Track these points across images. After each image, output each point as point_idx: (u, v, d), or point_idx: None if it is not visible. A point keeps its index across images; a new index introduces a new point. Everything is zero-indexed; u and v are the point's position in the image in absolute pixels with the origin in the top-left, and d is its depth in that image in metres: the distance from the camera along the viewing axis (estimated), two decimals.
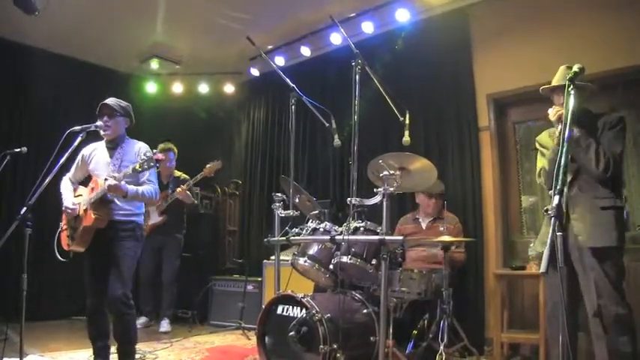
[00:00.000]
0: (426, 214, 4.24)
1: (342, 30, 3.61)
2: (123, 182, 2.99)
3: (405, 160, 2.95)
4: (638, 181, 3.86)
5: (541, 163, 2.80)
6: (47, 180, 2.80)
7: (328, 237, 3.13)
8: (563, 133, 2.07)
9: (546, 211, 1.99)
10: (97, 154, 3.28)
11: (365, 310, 3.22)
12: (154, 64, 6.17)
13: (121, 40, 5.70)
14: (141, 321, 5.03)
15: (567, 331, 2.04)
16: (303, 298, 2.97)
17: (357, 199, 2.97)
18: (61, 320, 5.31)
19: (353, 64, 3.21)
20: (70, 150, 2.96)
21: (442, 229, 3.78)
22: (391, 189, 2.80)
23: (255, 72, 6.18)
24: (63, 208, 3.21)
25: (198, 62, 6.28)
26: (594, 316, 2.42)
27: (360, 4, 4.84)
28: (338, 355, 2.80)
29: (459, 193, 4.48)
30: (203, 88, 6.62)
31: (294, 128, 3.76)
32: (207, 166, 5.19)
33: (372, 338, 3.06)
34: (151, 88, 6.54)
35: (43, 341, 4.19)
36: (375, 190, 2.88)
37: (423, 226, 4.21)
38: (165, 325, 5.02)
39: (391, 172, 2.84)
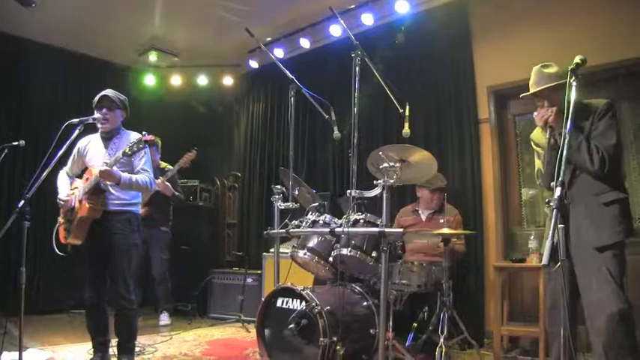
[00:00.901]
0: (426, 207, 4.24)
1: (341, 21, 3.57)
2: (115, 168, 2.96)
3: (405, 152, 2.92)
4: (638, 175, 3.85)
5: (538, 164, 2.77)
6: (45, 173, 2.78)
7: (328, 229, 3.12)
8: (565, 125, 2.05)
9: (548, 202, 1.98)
10: (92, 145, 3.26)
11: (365, 303, 3.21)
12: (153, 57, 6.14)
13: (120, 32, 5.67)
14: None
15: (568, 324, 2.03)
16: (303, 290, 2.96)
17: (357, 191, 2.95)
18: (61, 314, 5.30)
19: (353, 55, 3.19)
20: (68, 142, 2.94)
21: (442, 221, 3.77)
22: (391, 181, 2.78)
23: (254, 64, 6.15)
24: (57, 201, 3.19)
25: (196, 54, 6.25)
26: (595, 311, 2.41)
27: None
28: (338, 347, 2.80)
29: (459, 186, 4.48)
30: (202, 81, 6.59)
31: (293, 120, 3.74)
32: (184, 157, 5.10)
33: (371, 331, 3.06)
34: (149, 80, 6.51)
35: (42, 335, 4.19)
36: (374, 182, 2.86)
37: (423, 218, 4.21)
38: (164, 319, 5.03)
39: (391, 164, 2.82)
